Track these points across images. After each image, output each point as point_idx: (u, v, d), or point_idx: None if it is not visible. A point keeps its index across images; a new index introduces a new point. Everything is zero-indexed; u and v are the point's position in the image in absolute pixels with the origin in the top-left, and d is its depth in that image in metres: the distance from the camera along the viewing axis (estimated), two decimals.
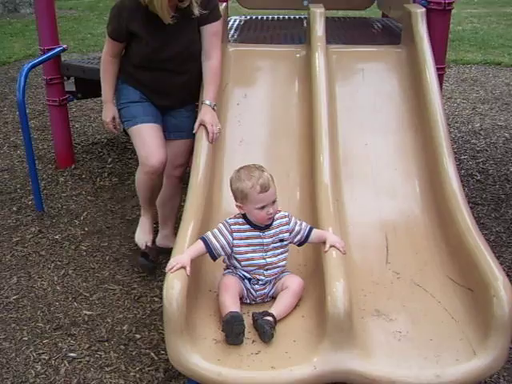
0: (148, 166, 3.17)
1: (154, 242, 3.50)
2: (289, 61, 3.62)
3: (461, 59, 8.57)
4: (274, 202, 2.51)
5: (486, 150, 5.27)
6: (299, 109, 3.41)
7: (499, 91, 7.10)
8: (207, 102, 3.11)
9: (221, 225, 2.56)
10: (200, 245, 2.50)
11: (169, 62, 3.15)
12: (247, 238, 2.54)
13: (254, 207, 2.49)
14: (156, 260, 3.45)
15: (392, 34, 4.29)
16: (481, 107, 6.51)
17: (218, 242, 2.51)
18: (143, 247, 3.44)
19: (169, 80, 3.20)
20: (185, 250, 2.46)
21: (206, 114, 3.08)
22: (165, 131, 3.30)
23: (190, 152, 3.37)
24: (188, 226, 2.61)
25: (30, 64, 4.18)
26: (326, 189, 2.84)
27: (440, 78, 3.54)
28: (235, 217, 2.59)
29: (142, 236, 3.48)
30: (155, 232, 3.62)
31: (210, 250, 2.51)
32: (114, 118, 3.32)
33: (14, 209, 4.29)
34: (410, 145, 3.25)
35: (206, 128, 3.04)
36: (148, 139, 3.17)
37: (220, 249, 2.51)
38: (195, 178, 2.88)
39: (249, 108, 3.42)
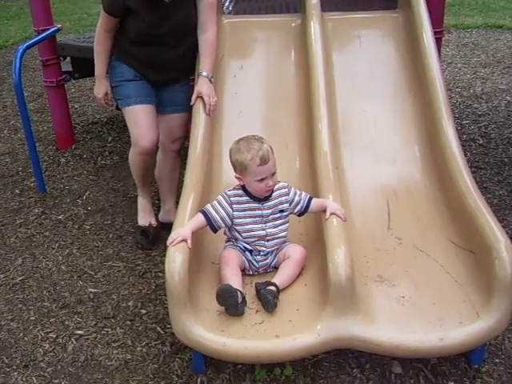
0: (140, 147, 3.18)
1: (157, 220, 3.52)
2: (284, 30, 3.59)
3: (461, 24, 8.48)
4: (273, 174, 2.50)
5: (488, 114, 5.22)
6: (296, 78, 3.38)
7: (501, 55, 7.03)
8: (204, 74, 3.09)
9: (220, 197, 2.55)
10: (200, 218, 2.50)
11: (164, 36, 3.11)
12: (246, 209, 2.54)
13: (254, 179, 2.48)
14: (155, 241, 3.46)
15: None
16: (482, 71, 6.45)
17: (217, 214, 2.51)
18: (147, 225, 3.47)
19: (164, 54, 3.17)
20: (185, 224, 2.46)
21: (202, 86, 3.06)
22: (160, 106, 3.29)
23: (186, 126, 3.36)
24: (188, 200, 2.62)
25: (25, 45, 4.14)
26: (326, 156, 2.83)
27: (438, 41, 3.51)
28: (234, 188, 2.59)
29: (144, 216, 3.52)
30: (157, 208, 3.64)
31: (211, 223, 2.51)
32: (106, 94, 3.31)
33: (17, 191, 4.30)
34: (408, 110, 3.22)
35: (202, 100, 3.03)
36: (140, 120, 3.16)
37: (220, 221, 2.52)
38: (194, 151, 2.87)
39: (245, 79, 3.40)
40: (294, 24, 3.60)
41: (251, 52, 3.54)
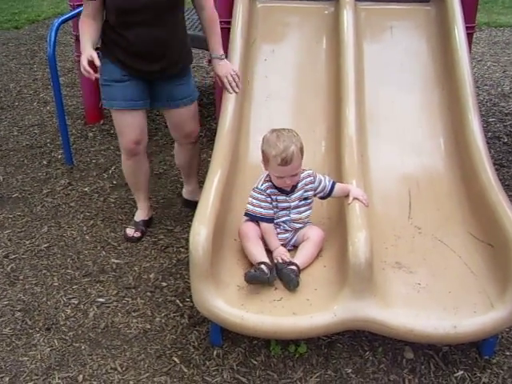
0: (123, 149, 3.22)
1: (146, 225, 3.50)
2: (317, 17, 3.61)
3: (493, 22, 8.41)
4: (294, 175, 2.54)
5: None
6: (326, 65, 3.41)
7: None
8: (214, 55, 3.12)
9: (256, 195, 2.60)
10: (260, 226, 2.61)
11: (144, 12, 2.90)
12: (276, 201, 2.62)
13: (273, 174, 2.56)
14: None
15: None
16: (511, 70, 6.41)
17: (264, 210, 2.60)
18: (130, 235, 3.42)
19: (148, 35, 2.96)
20: (211, 201, 2.52)
21: (218, 68, 3.11)
22: (159, 101, 3.19)
23: (195, 117, 3.30)
24: (214, 176, 2.68)
25: (61, 19, 4.19)
26: (351, 141, 2.87)
27: (469, 37, 3.51)
28: (265, 181, 2.62)
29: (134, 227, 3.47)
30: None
31: (266, 219, 2.61)
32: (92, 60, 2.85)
33: (45, 162, 4.38)
34: (436, 103, 3.25)
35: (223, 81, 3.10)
36: (122, 123, 3.13)
37: (272, 213, 2.61)
38: (222, 130, 2.93)
39: (276, 64, 3.44)
40: (326, 11, 3.62)
41: (283, 37, 3.57)
